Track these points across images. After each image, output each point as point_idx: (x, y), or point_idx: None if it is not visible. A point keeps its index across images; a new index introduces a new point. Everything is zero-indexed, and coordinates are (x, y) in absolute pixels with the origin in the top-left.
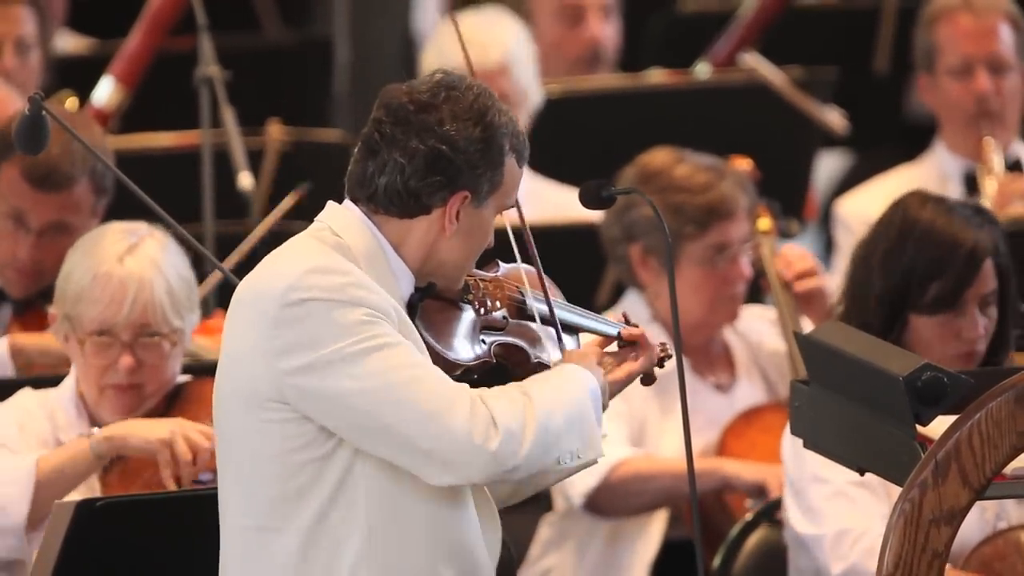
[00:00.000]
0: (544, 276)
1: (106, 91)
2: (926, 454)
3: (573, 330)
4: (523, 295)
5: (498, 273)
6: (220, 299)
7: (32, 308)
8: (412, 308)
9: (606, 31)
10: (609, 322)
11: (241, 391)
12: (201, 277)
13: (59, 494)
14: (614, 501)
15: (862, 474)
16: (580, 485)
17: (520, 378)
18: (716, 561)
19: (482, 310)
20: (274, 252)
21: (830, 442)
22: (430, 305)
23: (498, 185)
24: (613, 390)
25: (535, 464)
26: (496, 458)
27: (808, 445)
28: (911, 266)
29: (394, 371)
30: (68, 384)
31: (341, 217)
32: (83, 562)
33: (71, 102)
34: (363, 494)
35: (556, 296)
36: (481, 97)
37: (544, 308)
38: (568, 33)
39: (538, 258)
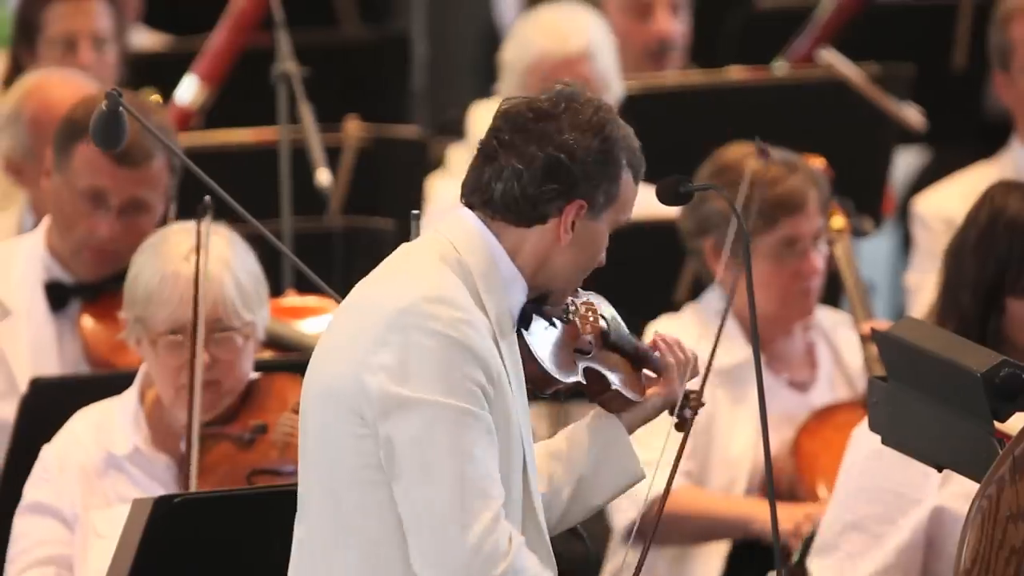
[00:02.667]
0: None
1: (190, 89)
2: (1004, 450)
3: (639, 360)
4: (607, 322)
5: (581, 299)
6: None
7: (104, 293)
8: (525, 317)
9: (674, 26)
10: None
11: (329, 393)
12: (279, 274)
13: None
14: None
15: (940, 470)
16: (621, 518)
17: (596, 404)
18: (795, 557)
19: (579, 331)
20: (397, 262)
21: (908, 439)
22: (537, 318)
23: (614, 199)
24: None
25: None
26: None
27: (886, 442)
28: (1006, 251)
29: (451, 455)
30: (130, 394)
31: (461, 231)
32: (160, 558)
33: (154, 99)
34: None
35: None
36: (601, 111)
37: (623, 339)
38: (636, 27)
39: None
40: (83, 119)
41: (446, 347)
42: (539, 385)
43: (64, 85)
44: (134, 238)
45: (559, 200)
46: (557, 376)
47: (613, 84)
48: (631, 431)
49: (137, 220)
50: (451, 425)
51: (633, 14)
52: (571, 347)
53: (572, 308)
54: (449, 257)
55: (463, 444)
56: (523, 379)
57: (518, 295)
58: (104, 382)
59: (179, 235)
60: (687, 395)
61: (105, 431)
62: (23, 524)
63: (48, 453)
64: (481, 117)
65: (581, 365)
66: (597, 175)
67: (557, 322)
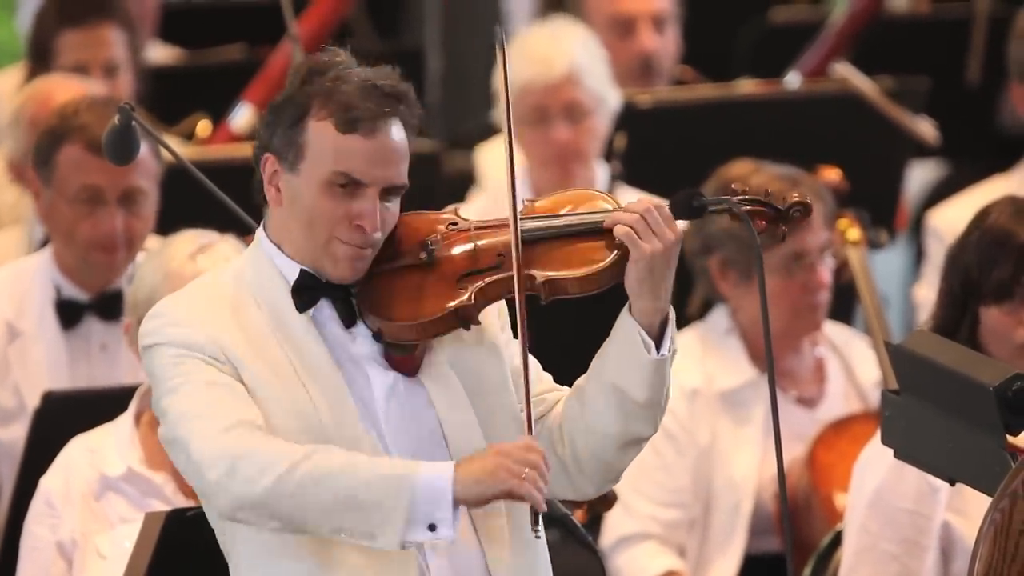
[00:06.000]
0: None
1: (243, 116)
2: (1016, 464)
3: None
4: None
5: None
6: None
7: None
8: (306, 294)
9: (658, 43)
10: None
11: None
12: None
13: None
14: None
15: (952, 484)
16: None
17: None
18: (806, 572)
19: (456, 258)
20: None
21: (921, 452)
22: (378, 282)
23: (303, 148)
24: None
25: (279, 513)
26: (218, 491)
27: (899, 455)
28: (973, 259)
29: (181, 415)
30: (124, 418)
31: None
32: (173, 572)
33: (203, 125)
34: (241, 543)
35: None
36: (317, 63)
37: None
38: (619, 45)
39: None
40: (59, 126)
41: (157, 355)
42: (424, 331)
43: (64, 88)
44: (139, 227)
45: (260, 156)
46: (430, 316)
47: (607, 99)
48: (646, 303)
49: (137, 209)
50: (174, 396)
51: (616, 32)
52: (452, 278)
53: (433, 246)
54: (229, 269)
55: (183, 403)
56: (321, 358)
57: (293, 276)
58: (116, 397)
59: (185, 238)
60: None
61: (98, 454)
62: (30, 565)
63: (48, 487)
64: (487, 159)
65: (475, 285)
66: (276, 122)
67: (418, 266)
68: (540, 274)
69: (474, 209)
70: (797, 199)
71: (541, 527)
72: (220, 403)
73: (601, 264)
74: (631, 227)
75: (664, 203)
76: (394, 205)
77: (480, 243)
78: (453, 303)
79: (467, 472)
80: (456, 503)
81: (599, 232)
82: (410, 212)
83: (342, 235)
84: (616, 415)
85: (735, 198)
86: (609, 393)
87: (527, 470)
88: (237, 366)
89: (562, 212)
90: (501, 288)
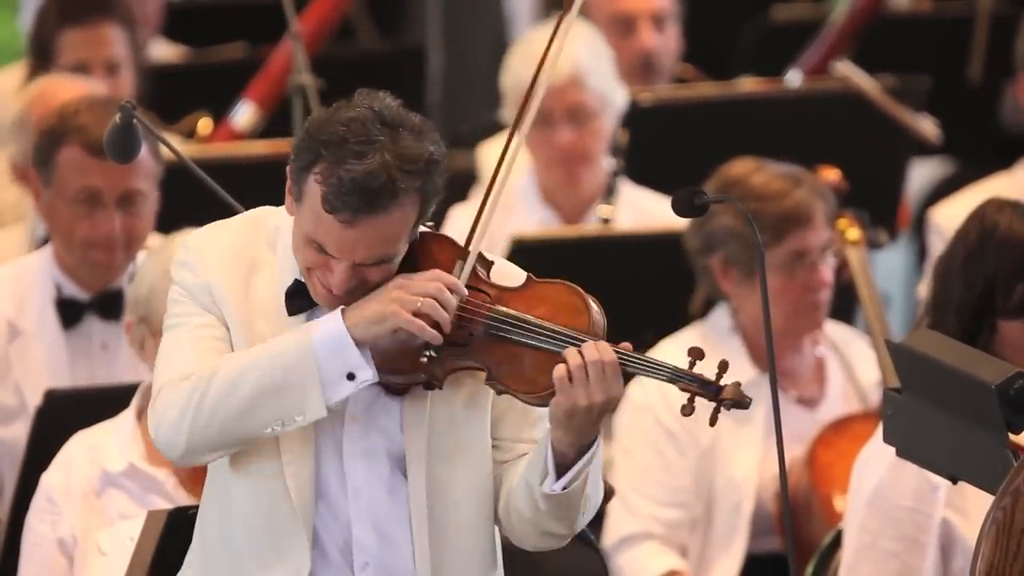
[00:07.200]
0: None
1: (244, 114)
2: (1018, 462)
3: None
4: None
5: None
6: None
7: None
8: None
9: (658, 41)
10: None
11: None
12: None
13: None
14: None
15: (954, 482)
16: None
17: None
18: (808, 570)
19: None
20: None
21: (922, 450)
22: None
23: (302, 194)
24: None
25: (215, 439)
26: (162, 445)
27: (901, 453)
28: (993, 271)
29: (162, 350)
30: (126, 414)
31: None
32: (175, 571)
33: (205, 123)
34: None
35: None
36: (357, 119)
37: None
38: (620, 43)
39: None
40: (58, 127)
41: (171, 288)
42: (391, 377)
43: (68, 89)
44: (139, 228)
45: (287, 165)
46: (398, 372)
47: (613, 98)
48: (560, 435)
49: (136, 210)
50: (166, 333)
51: (617, 30)
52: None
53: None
54: (276, 216)
55: (168, 341)
56: None
57: (294, 276)
58: (118, 396)
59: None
60: None
61: (99, 450)
62: (32, 562)
63: (49, 483)
64: (489, 157)
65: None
66: (300, 149)
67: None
68: (493, 371)
69: (475, 208)
70: (730, 395)
71: (432, 352)
72: (189, 353)
73: (540, 393)
74: (570, 371)
75: (616, 358)
76: (381, 268)
77: (460, 313)
78: (418, 372)
79: (360, 314)
80: (359, 345)
81: (556, 353)
82: (435, 236)
83: (319, 276)
84: (529, 507)
85: (684, 369)
86: (525, 485)
87: (421, 301)
88: (228, 324)
89: (535, 316)
90: (463, 367)
